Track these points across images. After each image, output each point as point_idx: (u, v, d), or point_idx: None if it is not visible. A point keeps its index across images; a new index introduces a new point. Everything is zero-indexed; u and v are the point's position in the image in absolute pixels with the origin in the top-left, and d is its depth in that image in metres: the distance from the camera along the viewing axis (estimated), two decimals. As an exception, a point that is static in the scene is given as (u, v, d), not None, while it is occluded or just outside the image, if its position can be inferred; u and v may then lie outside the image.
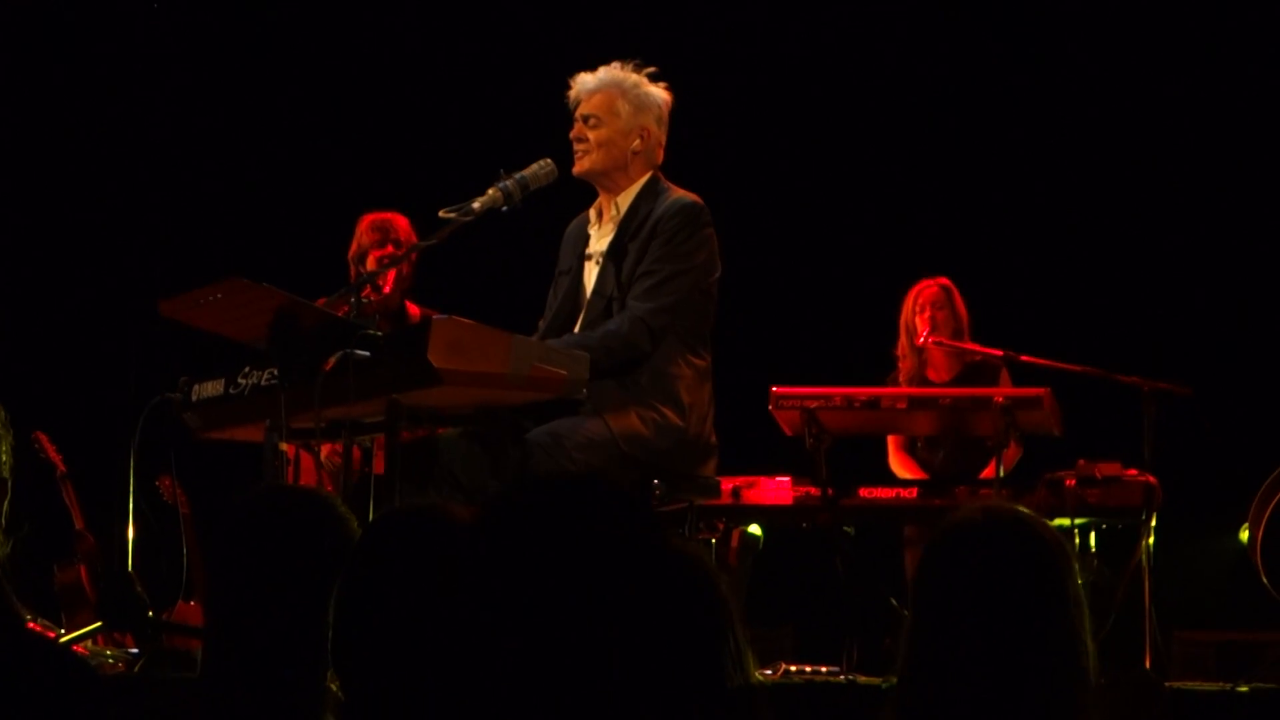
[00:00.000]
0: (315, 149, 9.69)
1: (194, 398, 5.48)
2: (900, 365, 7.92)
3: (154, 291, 5.42)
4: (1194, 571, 8.11)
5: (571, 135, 5.91)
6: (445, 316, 5.02)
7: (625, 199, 5.90)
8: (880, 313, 8.09)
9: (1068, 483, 6.54)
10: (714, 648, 2.52)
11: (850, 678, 5.91)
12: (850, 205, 9.40)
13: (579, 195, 6.07)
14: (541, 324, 5.99)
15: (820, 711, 4.88)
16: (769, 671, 6.01)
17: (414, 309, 7.13)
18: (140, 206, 9.58)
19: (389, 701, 2.70)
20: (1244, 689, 4.98)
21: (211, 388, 5.42)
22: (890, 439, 7.85)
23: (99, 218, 9.63)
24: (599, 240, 5.95)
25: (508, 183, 5.59)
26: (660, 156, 5.97)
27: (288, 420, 5.09)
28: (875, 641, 6.60)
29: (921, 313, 7.83)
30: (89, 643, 6.69)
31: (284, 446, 5.19)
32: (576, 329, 5.82)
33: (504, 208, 5.58)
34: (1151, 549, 6.56)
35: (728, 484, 6.52)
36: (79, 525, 8.70)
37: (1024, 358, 7.34)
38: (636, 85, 5.91)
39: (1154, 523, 6.56)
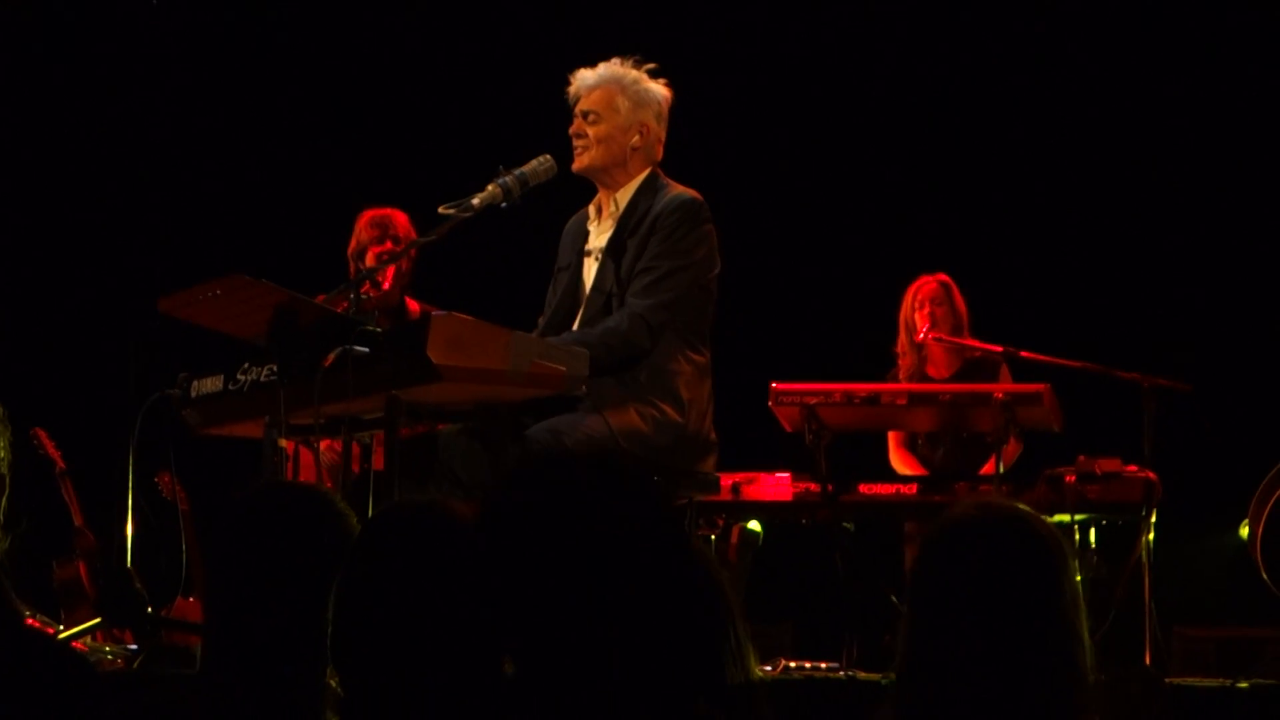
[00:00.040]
0: (315, 145, 9.69)
1: (193, 394, 5.48)
2: (900, 362, 7.91)
3: (153, 288, 5.42)
4: (1194, 568, 8.11)
5: (571, 131, 5.91)
6: (445, 313, 5.02)
7: (624, 195, 5.90)
8: (880, 309, 8.09)
9: (1068, 479, 6.54)
10: (716, 643, 2.52)
11: (850, 674, 5.91)
12: (850, 201, 9.40)
13: (578, 191, 6.07)
14: (541, 320, 5.98)
15: (820, 707, 4.87)
16: (769, 668, 6.01)
17: (414, 305, 7.13)
18: (140, 203, 9.58)
19: (389, 697, 2.70)
20: (1244, 685, 4.98)
21: (211, 384, 5.42)
22: (891, 435, 7.85)
23: (98, 215, 9.63)
24: (598, 236, 5.95)
25: (507, 179, 5.59)
26: (660, 153, 5.96)
27: (287, 416, 5.08)
28: (875, 637, 6.59)
29: (921, 309, 7.83)
30: (88, 639, 6.70)
31: (283, 443, 5.19)
32: (575, 325, 5.82)
33: (503, 204, 5.58)
34: (1151, 545, 6.55)
35: (727, 480, 6.52)
36: (78, 522, 8.70)
37: (1024, 354, 7.34)
38: (636, 81, 5.91)
39: (1154, 519, 6.56)
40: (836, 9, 9.51)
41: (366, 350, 4.93)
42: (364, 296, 5.73)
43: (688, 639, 2.49)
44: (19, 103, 9.66)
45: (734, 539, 6.87)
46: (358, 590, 2.76)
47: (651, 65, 5.95)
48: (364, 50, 9.79)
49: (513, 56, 9.38)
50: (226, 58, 9.78)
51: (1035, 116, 9.27)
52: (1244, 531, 7.30)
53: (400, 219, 7.09)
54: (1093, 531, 6.69)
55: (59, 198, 9.70)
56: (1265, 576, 7.11)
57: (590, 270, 5.92)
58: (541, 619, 2.42)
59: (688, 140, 6.15)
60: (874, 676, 5.39)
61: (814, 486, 6.67)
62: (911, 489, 6.80)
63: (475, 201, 5.52)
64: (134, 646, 6.33)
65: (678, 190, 5.86)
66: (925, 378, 7.79)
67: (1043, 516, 2.93)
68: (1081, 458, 6.59)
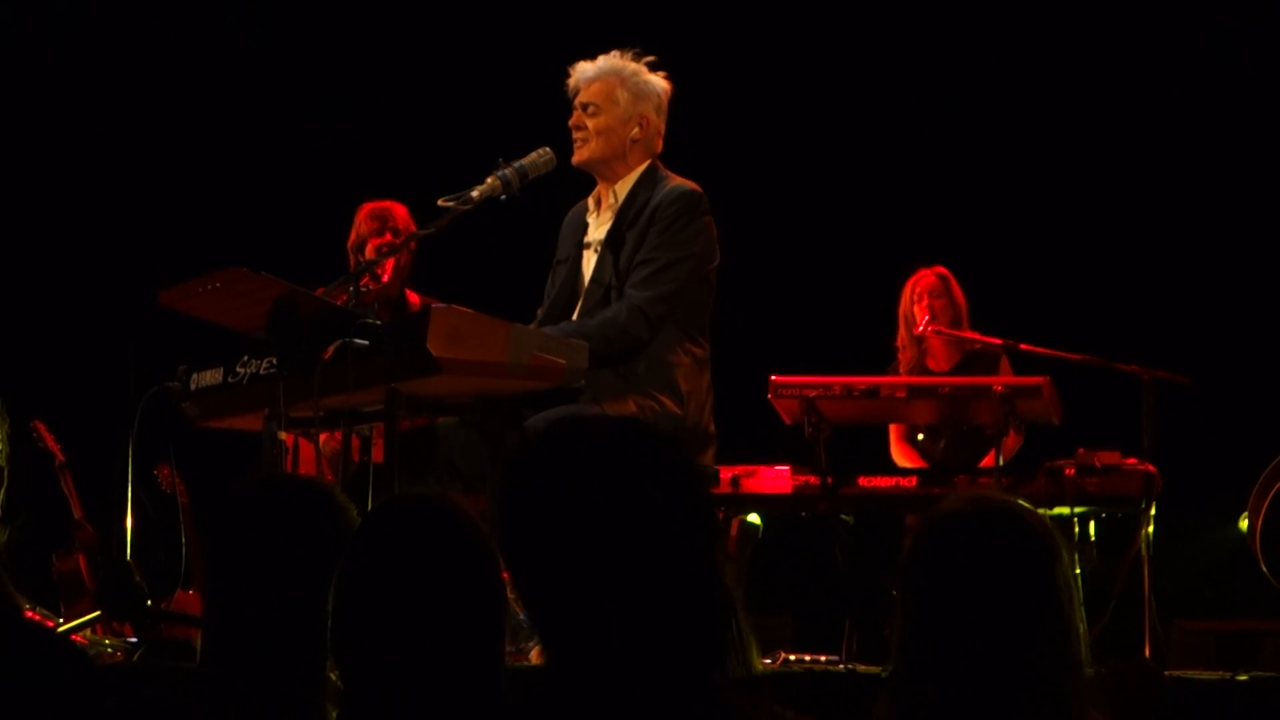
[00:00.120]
0: (314, 138, 9.68)
1: (193, 387, 5.48)
2: (900, 356, 7.91)
3: (153, 281, 5.42)
4: (1194, 560, 8.11)
5: (571, 123, 5.91)
6: (444, 305, 5.02)
7: (624, 187, 5.90)
8: (880, 302, 8.08)
9: (1067, 471, 6.53)
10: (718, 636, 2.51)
11: (850, 666, 5.91)
12: (849, 194, 9.40)
13: (578, 184, 6.07)
14: (540, 312, 5.99)
15: (819, 700, 4.87)
16: (768, 660, 6.02)
17: (414, 297, 7.13)
18: (139, 197, 9.58)
19: (389, 690, 2.70)
20: (1244, 677, 4.98)
21: (210, 377, 5.42)
22: (892, 429, 7.86)
23: (98, 208, 9.62)
24: (597, 228, 5.95)
25: (506, 171, 5.59)
26: (659, 145, 5.97)
27: (286, 409, 5.09)
28: (875, 630, 6.60)
29: (919, 302, 7.83)
30: (88, 632, 6.70)
31: (283, 435, 5.19)
32: (574, 317, 5.82)
33: (503, 196, 5.58)
34: (1151, 538, 6.55)
35: (727, 473, 6.53)
36: (78, 515, 8.70)
37: (1023, 346, 7.34)
38: (636, 74, 5.91)
39: (1153, 511, 6.55)
40: (836, 4, 9.51)
41: (366, 343, 4.93)
42: (364, 289, 5.72)
43: (713, 606, 2.47)
44: (19, 95, 9.66)
45: (734, 531, 6.87)
46: (358, 583, 2.75)
47: (651, 58, 5.95)
48: (363, 44, 9.79)
49: (512, 49, 9.38)
50: (225, 50, 9.77)
51: (1034, 110, 9.27)
52: (1243, 524, 7.30)
53: (400, 211, 7.09)
54: (1092, 524, 6.68)
55: (59, 191, 9.69)
56: (1265, 569, 7.11)
57: (589, 262, 5.92)
58: (570, 580, 2.40)
59: (687, 133, 6.15)
60: (874, 669, 5.39)
61: (813, 479, 6.66)
62: (911, 482, 6.79)
63: (475, 194, 5.52)
64: (134, 639, 6.33)
65: (677, 182, 5.86)
66: (925, 371, 7.79)
67: (1037, 509, 2.92)
68: (1081, 450, 6.58)
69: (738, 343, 6.83)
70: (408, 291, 7.14)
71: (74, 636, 6.22)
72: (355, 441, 5.45)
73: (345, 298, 5.42)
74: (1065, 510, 6.52)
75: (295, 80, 9.77)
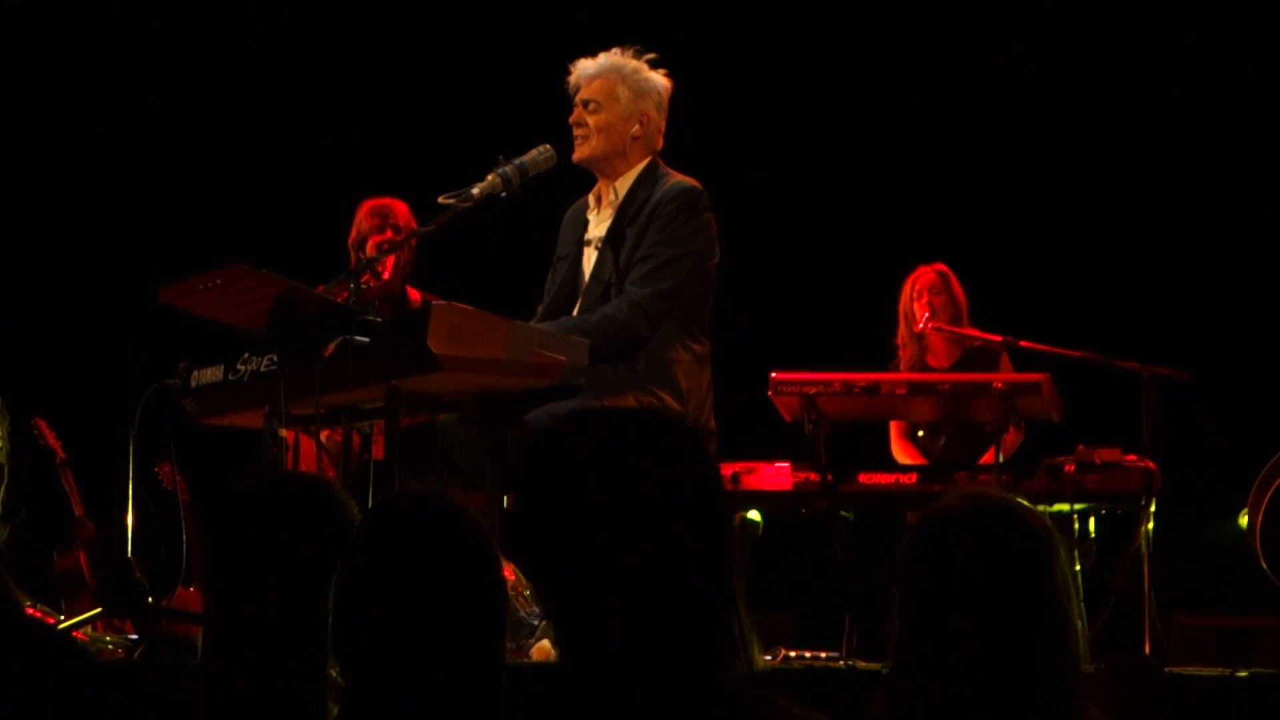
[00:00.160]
0: (315, 136, 9.68)
1: (193, 384, 5.49)
2: (900, 354, 7.92)
3: (153, 278, 5.42)
4: (1193, 557, 8.11)
5: (571, 120, 5.91)
6: (445, 302, 5.02)
7: (624, 184, 5.90)
8: (880, 299, 8.08)
9: (1067, 468, 6.53)
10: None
11: (850, 663, 5.91)
12: (849, 191, 9.40)
13: (578, 181, 6.07)
14: (540, 310, 5.99)
15: (820, 696, 4.87)
16: (769, 657, 6.02)
17: (415, 295, 7.12)
18: (140, 194, 9.58)
19: (389, 687, 2.70)
20: (1243, 674, 4.98)
21: (211, 374, 5.43)
22: (892, 426, 7.86)
23: (99, 205, 9.62)
24: (597, 225, 5.95)
25: (507, 168, 5.59)
26: (659, 143, 5.97)
27: (287, 406, 5.09)
28: (875, 627, 6.59)
29: (919, 299, 7.83)
30: (89, 629, 6.70)
31: (283, 432, 5.20)
32: (574, 314, 5.82)
33: (503, 193, 5.58)
34: (1151, 534, 6.55)
35: (727, 469, 6.52)
36: (78, 512, 8.70)
37: (1023, 343, 7.33)
38: (636, 71, 5.92)
39: (1153, 508, 6.55)
40: (836, 3, 9.51)
41: (366, 340, 4.93)
42: (364, 286, 5.73)
43: (726, 600, 2.47)
44: (19, 88, 9.66)
45: (733, 529, 6.86)
46: (358, 580, 2.76)
47: (652, 56, 5.96)
48: (364, 41, 9.79)
49: (513, 47, 9.38)
50: (226, 46, 9.77)
51: (1034, 108, 9.27)
52: (1243, 520, 7.30)
53: (400, 209, 7.08)
54: (1092, 521, 6.68)
55: (60, 189, 9.69)
56: (1265, 565, 7.11)
57: (589, 259, 5.92)
58: (584, 571, 2.39)
59: (688, 130, 6.15)
60: (874, 666, 5.39)
61: (814, 476, 6.66)
62: (911, 478, 6.79)
63: (475, 191, 5.52)
64: (134, 636, 6.32)
65: (677, 179, 5.86)
66: (926, 368, 7.79)
67: (1037, 506, 2.92)
68: (1081, 447, 6.58)
69: (738, 339, 6.83)
70: (409, 289, 7.14)
71: (75, 634, 6.22)
72: (356, 438, 5.45)
73: (346, 295, 5.42)
74: (1065, 507, 6.51)
75: (296, 78, 9.77)
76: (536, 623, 4.96)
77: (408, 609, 2.71)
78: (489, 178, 5.57)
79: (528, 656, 4.96)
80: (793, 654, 6.32)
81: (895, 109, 9.44)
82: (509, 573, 4.74)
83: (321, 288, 5.51)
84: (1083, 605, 6.52)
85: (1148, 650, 6.40)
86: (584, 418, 2.51)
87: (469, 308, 5.02)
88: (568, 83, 5.95)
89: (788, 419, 6.79)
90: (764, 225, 9.09)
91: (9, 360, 8.64)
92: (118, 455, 5.55)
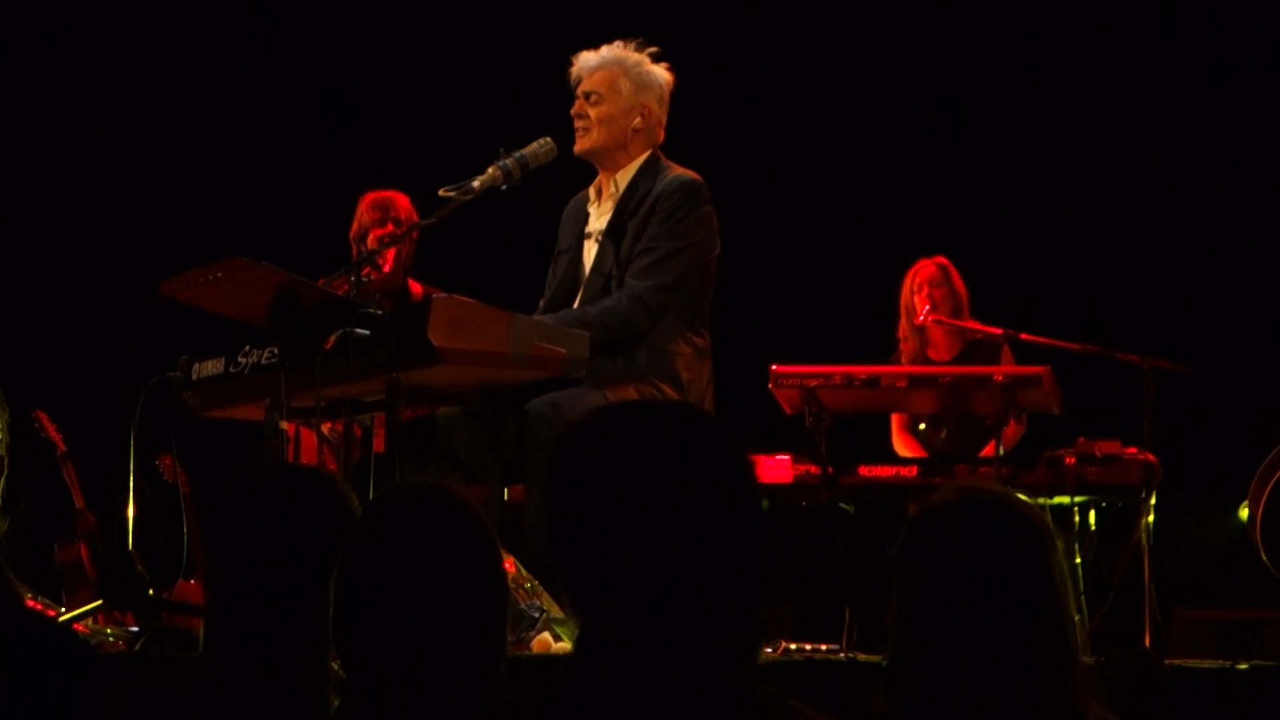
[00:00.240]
0: (316, 129, 9.68)
1: (194, 376, 5.49)
2: (902, 347, 7.92)
3: (154, 270, 5.42)
4: (1194, 549, 8.11)
5: (573, 112, 5.92)
6: (445, 295, 5.03)
7: (624, 177, 5.90)
8: (880, 292, 8.09)
9: (1067, 461, 6.53)
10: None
11: (850, 655, 5.91)
12: (850, 184, 9.40)
13: (579, 174, 6.07)
14: (541, 303, 5.99)
15: (820, 689, 4.88)
16: (770, 649, 6.01)
17: (416, 287, 7.13)
18: (141, 186, 9.58)
19: (391, 679, 2.70)
20: (1244, 666, 4.98)
21: (212, 366, 5.43)
22: (894, 419, 7.86)
23: (100, 199, 9.62)
24: (598, 218, 5.95)
25: (507, 161, 5.59)
26: (661, 136, 5.97)
27: (288, 399, 5.09)
28: (875, 619, 6.59)
29: (920, 292, 7.83)
30: (89, 621, 6.70)
31: (284, 425, 5.20)
32: (574, 307, 5.82)
33: (504, 186, 5.58)
34: (1151, 527, 6.55)
35: (728, 462, 6.51)
36: (79, 504, 8.71)
37: (1024, 336, 7.33)
38: (638, 64, 5.92)
39: (1154, 501, 6.55)
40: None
41: (367, 333, 4.93)
42: (365, 279, 5.73)
43: (755, 592, 2.46)
44: (19, 80, 9.66)
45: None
46: (359, 572, 2.76)
47: (654, 49, 5.96)
48: (365, 34, 9.78)
49: (513, 40, 9.37)
50: (227, 44, 9.77)
51: (1035, 101, 9.27)
52: (1244, 513, 7.30)
53: (401, 201, 7.09)
54: (1092, 514, 6.68)
55: (61, 182, 9.69)
56: (1265, 558, 7.11)
57: (590, 252, 5.92)
58: (616, 560, 2.37)
59: (689, 124, 6.15)
60: (874, 658, 5.39)
61: (814, 468, 6.66)
62: (911, 471, 6.79)
63: (476, 184, 5.52)
64: (135, 629, 6.32)
65: (678, 172, 5.86)
66: (927, 361, 7.80)
67: (1037, 498, 2.93)
68: (1081, 440, 6.58)
69: (738, 332, 6.83)
70: (410, 281, 7.14)
71: (75, 626, 6.23)
72: (357, 431, 5.45)
73: (346, 288, 5.42)
74: (1065, 499, 6.52)
75: (297, 71, 9.76)
76: (537, 615, 4.96)
77: (409, 601, 2.71)
78: (489, 171, 5.57)
79: (528, 649, 4.95)
80: (793, 646, 6.31)
81: (896, 102, 9.44)
82: (509, 565, 4.75)
83: (322, 280, 5.51)
84: (1083, 598, 6.53)
85: (1148, 643, 6.40)
86: (614, 412, 2.50)
87: (470, 300, 5.02)
88: (569, 75, 5.95)
89: (788, 411, 6.78)
90: (765, 218, 9.09)
91: (10, 353, 8.64)
92: (118, 448, 5.55)
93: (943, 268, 7.87)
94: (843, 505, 6.87)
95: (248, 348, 5.28)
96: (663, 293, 5.68)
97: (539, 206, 6.21)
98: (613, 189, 5.92)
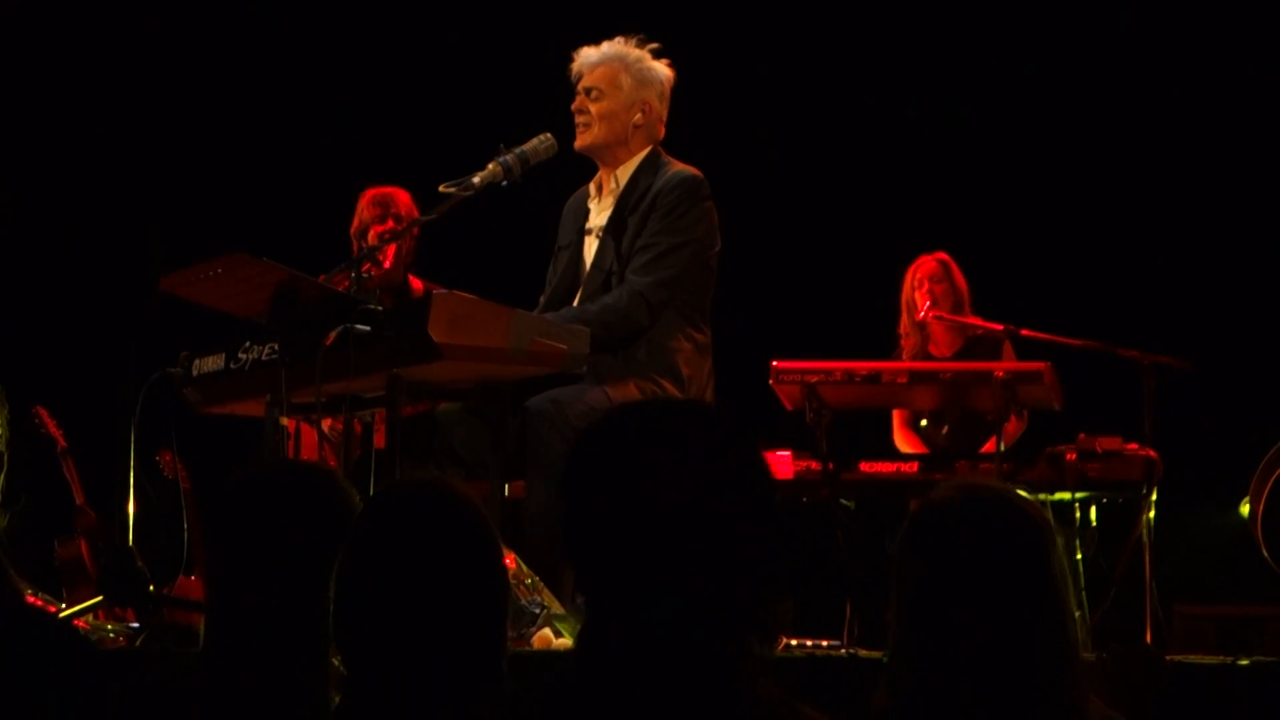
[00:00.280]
0: (317, 124, 9.67)
1: (194, 373, 5.49)
2: (903, 343, 7.91)
3: (154, 266, 5.42)
4: (1195, 545, 8.10)
5: (574, 107, 5.91)
6: (446, 291, 5.02)
7: (625, 172, 5.90)
8: (881, 288, 8.08)
9: (1068, 457, 6.52)
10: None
11: (851, 651, 5.91)
12: (851, 180, 9.39)
13: (579, 170, 6.07)
14: (542, 299, 5.99)
15: (821, 685, 4.87)
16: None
17: (417, 283, 7.13)
18: (142, 183, 9.57)
19: (391, 675, 2.70)
20: (1245, 662, 4.98)
21: (212, 362, 5.43)
22: (895, 415, 7.86)
23: (100, 194, 9.62)
24: (598, 214, 5.95)
25: (507, 157, 5.59)
26: (661, 132, 5.97)
27: (288, 395, 5.09)
28: (876, 615, 6.59)
29: (920, 288, 7.83)
30: (90, 617, 6.69)
31: (285, 421, 5.20)
32: (575, 303, 5.82)
33: (504, 182, 5.58)
34: (1152, 523, 6.54)
35: (728, 458, 6.51)
36: (79, 500, 8.70)
37: (1024, 332, 7.33)
38: (639, 60, 5.92)
39: (1155, 497, 6.54)
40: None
41: (367, 329, 4.93)
42: (366, 275, 5.73)
43: (768, 594, 2.45)
44: (21, 83, 9.66)
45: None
46: (360, 568, 2.76)
47: (655, 45, 5.96)
48: (366, 31, 9.78)
49: (514, 35, 9.37)
50: (227, 39, 9.76)
51: (1036, 97, 9.26)
52: (1245, 509, 7.29)
53: (402, 197, 7.09)
54: (1093, 510, 6.68)
55: (61, 177, 9.68)
56: (1266, 554, 7.11)
57: (590, 248, 5.92)
58: (632, 555, 2.36)
59: (690, 120, 6.15)
60: (875, 654, 5.39)
61: (815, 465, 6.66)
62: (912, 467, 6.79)
63: (476, 180, 5.52)
64: (136, 625, 6.32)
65: (679, 168, 5.86)
66: (928, 357, 7.79)
67: (1038, 494, 2.93)
68: (1082, 436, 6.58)
69: (739, 328, 6.83)
70: (410, 277, 7.14)
71: (76, 622, 6.22)
72: (357, 427, 5.45)
73: (347, 284, 5.42)
74: (1066, 495, 6.51)
75: (297, 68, 9.76)
76: (538, 611, 4.96)
77: (409, 597, 2.71)
78: (490, 166, 5.57)
79: (529, 645, 4.95)
80: (794, 642, 6.31)
81: (897, 98, 9.43)
82: (510, 561, 4.75)
83: (322, 277, 5.51)
84: (1084, 594, 6.52)
85: (1149, 639, 6.40)
86: (631, 410, 2.49)
87: (470, 296, 5.02)
88: (570, 70, 5.95)
89: (789, 407, 6.78)
90: (765, 214, 9.08)
91: (10, 349, 8.63)
92: (119, 444, 5.55)
93: (944, 263, 7.87)
94: (843, 501, 6.87)
95: (248, 344, 5.28)
96: (663, 288, 5.68)
97: (539, 202, 6.21)
98: (613, 185, 5.92)
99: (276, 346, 5.14)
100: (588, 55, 5.93)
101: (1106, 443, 6.54)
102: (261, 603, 3.07)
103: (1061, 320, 7.38)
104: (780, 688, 2.41)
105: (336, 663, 2.92)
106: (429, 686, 2.70)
